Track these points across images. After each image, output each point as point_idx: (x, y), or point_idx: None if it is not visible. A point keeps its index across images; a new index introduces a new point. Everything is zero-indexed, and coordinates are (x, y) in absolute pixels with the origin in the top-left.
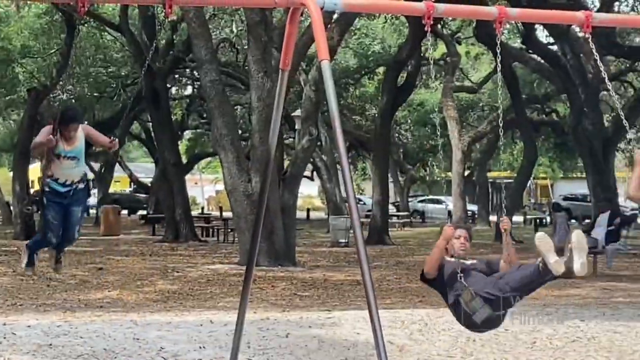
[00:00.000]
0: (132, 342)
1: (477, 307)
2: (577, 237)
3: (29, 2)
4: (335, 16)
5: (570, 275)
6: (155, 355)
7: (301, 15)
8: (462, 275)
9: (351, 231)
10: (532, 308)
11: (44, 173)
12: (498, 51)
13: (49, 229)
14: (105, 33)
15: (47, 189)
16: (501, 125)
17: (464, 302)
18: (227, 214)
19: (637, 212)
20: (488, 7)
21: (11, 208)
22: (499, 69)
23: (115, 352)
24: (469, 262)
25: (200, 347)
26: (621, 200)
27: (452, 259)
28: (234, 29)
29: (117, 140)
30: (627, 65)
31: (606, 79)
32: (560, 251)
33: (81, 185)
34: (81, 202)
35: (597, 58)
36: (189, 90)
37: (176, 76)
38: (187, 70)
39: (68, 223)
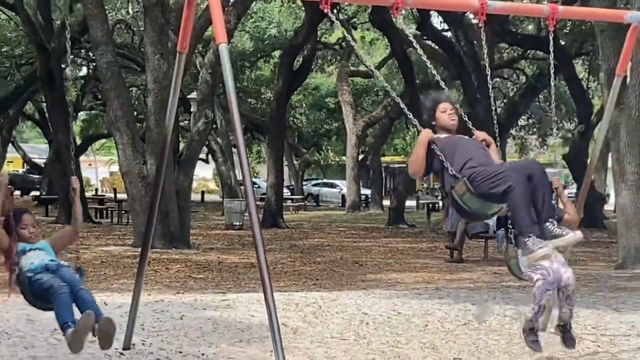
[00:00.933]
0: (24, 323)
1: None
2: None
3: None
4: (232, 0)
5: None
6: (48, 336)
7: None
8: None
9: (246, 214)
10: (425, 291)
11: None
12: (418, 44)
13: None
14: (0, 12)
15: None
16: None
17: (457, 195)
18: (121, 196)
19: None
20: None
21: None
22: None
23: (8, 333)
24: (466, 136)
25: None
26: None
27: (444, 136)
28: (130, 11)
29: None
30: (520, 52)
31: (487, 66)
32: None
33: None
34: None
35: (484, 44)
36: (83, 71)
37: (71, 57)
38: (82, 51)
39: None
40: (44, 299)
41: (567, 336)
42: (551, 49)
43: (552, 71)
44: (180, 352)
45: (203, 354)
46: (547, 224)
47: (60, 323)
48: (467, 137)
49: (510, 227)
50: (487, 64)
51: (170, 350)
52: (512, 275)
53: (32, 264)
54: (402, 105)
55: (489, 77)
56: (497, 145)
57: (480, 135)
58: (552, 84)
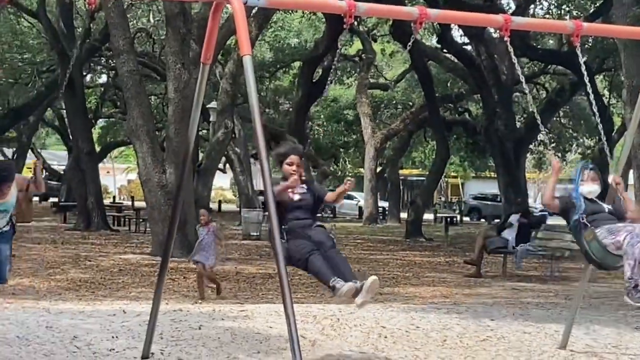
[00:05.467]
0: (44, 330)
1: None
2: None
3: None
4: (254, 10)
5: None
6: (68, 344)
7: None
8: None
9: (263, 224)
10: (442, 306)
11: None
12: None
13: None
14: (22, 19)
15: None
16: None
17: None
18: (139, 204)
19: (546, 213)
20: (409, 8)
21: None
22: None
23: (28, 339)
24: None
25: (113, 337)
26: (531, 201)
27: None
28: (151, 19)
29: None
30: (541, 67)
31: (523, 81)
32: None
33: (6, 228)
34: (7, 240)
35: (515, 61)
36: (103, 78)
37: (91, 64)
38: (103, 59)
39: None
40: None
41: None
42: (583, 66)
43: (587, 85)
44: None
45: None
46: None
47: None
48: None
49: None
50: (522, 77)
51: None
52: (595, 265)
53: None
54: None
55: (526, 90)
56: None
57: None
58: (591, 98)
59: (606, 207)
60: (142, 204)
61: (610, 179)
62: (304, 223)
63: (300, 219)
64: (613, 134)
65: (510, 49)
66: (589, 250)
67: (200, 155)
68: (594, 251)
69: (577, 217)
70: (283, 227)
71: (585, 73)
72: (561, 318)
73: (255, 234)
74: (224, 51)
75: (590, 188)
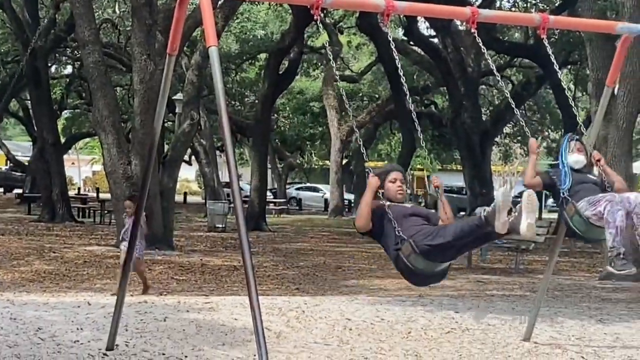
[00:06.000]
0: (9, 322)
1: (417, 262)
2: (528, 197)
3: None
4: (220, 1)
5: (514, 234)
6: (32, 335)
7: None
8: (399, 229)
9: (229, 216)
10: (408, 299)
11: None
12: (392, 46)
13: None
14: None
15: None
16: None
17: (404, 256)
18: (104, 196)
19: None
20: (377, 0)
21: None
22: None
23: None
24: (409, 205)
25: (78, 329)
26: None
27: (391, 204)
28: (117, 10)
29: None
30: (507, 60)
31: (495, 70)
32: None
33: None
34: None
35: (485, 51)
36: (68, 69)
37: (57, 55)
38: (68, 49)
39: None
40: None
41: None
42: (552, 57)
43: (558, 72)
44: (164, 354)
45: (186, 357)
46: None
47: None
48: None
49: (561, 189)
50: (494, 68)
51: (154, 352)
52: (580, 239)
53: None
54: None
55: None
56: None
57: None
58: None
59: (592, 177)
60: (107, 195)
61: (591, 155)
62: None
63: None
64: (578, 126)
65: (480, 41)
66: (572, 225)
67: (166, 146)
68: (576, 225)
69: (561, 191)
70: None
71: (555, 62)
72: (525, 310)
73: (220, 225)
74: (190, 42)
75: (576, 158)
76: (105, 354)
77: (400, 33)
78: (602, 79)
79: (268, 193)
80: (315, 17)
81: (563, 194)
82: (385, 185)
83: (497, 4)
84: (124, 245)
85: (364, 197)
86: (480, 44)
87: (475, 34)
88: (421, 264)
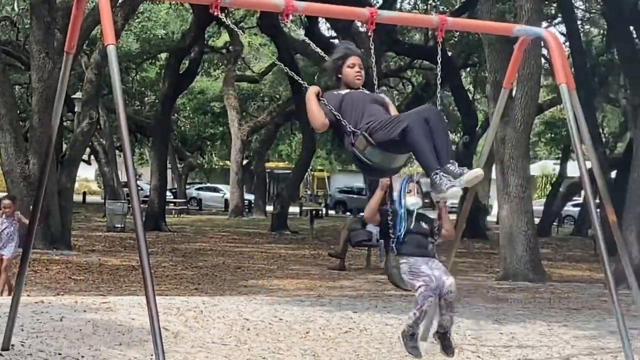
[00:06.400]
0: None
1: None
2: (475, 175)
3: None
4: (120, 0)
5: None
6: None
7: None
8: (349, 125)
9: (128, 216)
10: (306, 299)
11: None
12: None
13: None
14: None
15: None
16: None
17: (359, 151)
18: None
19: None
20: (276, 0)
21: None
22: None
23: None
24: (367, 91)
25: None
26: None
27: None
28: (16, 7)
29: None
30: (407, 62)
31: (374, 69)
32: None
33: None
34: None
35: (373, 59)
36: None
37: None
38: None
39: None
40: None
41: (446, 344)
42: (439, 58)
43: (438, 71)
44: (60, 354)
45: (83, 357)
46: (449, 165)
47: None
48: (367, 91)
49: (392, 235)
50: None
51: (50, 352)
52: (393, 285)
53: None
54: None
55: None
56: None
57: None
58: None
59: (425, 225)
60: (4, 194)
61: (435, 196)
62: None
63: None
64: (477, 128)
65: (372, 44)
66: (391, 274)
67: (65, 146)
68: (394, 277)
69: (392, 239)
70: None
71: (440, 68)
72: None
73: (119, 225)
74: (90, 41)
75: (414, 200)
76: (0, 354)
77: (301, 34)
78: (500, 81)
79: (168, 193)
80: (215, 14)
81: (393, 241)
82: (343, 70)
83: (398, 6)
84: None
85: (308, 101)
86: (372, 46)
87: (372, 35)
88: (377, 157)
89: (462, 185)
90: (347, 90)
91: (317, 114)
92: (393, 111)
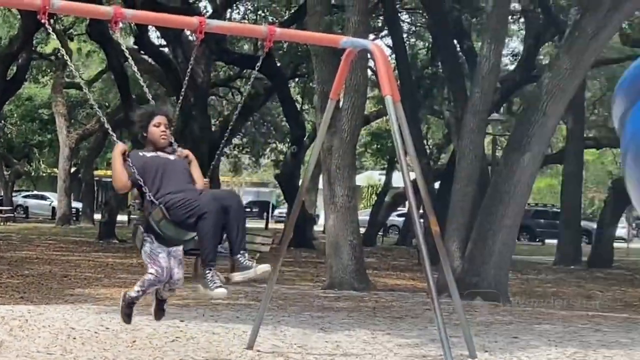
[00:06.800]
0: None
1: (167, 229)
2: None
3: None
4: None
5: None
6: None
7: None
8: (150, 194)
9: None
10: (135, 308)
11: None
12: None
13: None
14: None
15: None
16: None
17: (154, 221)
18: None
19: None
20: (105, 7)
21: None
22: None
23: None
24: (172, 157)
25: None
26: None
27: (150, 155)
28: None
29: None
30: (236, 71)
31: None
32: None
33: None
34: None
35: (189, 69)
36: None
37: None
38: None
39: None
40: None
41: (160, 306)
42: (257, 67)
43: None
44: None
45: None
46: (239, 256)
47: None
48: (172, 156)
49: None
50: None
51: None
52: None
53: None
54: (107, 126)
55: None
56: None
57: (183, 152)
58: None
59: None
60: None
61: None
62: None
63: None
64: (305, 139)
65: (195, 53)
66: (136, 232)
67: None
68: (136, 240)
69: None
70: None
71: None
72: (250, 319)
73: None
74: None
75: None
76: None
77: (131, 42)
78: (328, 92)
79: None
80: (42, 21)
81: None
82: (149, 128)
83: (228, 16)
84: None
85: (113, 159)
86: (192, 57)
87: (198, 44)
88: (171, 230)
89: (242, 281)
90: (152, 153)
91: (119, 175)
92: (196, 173)
